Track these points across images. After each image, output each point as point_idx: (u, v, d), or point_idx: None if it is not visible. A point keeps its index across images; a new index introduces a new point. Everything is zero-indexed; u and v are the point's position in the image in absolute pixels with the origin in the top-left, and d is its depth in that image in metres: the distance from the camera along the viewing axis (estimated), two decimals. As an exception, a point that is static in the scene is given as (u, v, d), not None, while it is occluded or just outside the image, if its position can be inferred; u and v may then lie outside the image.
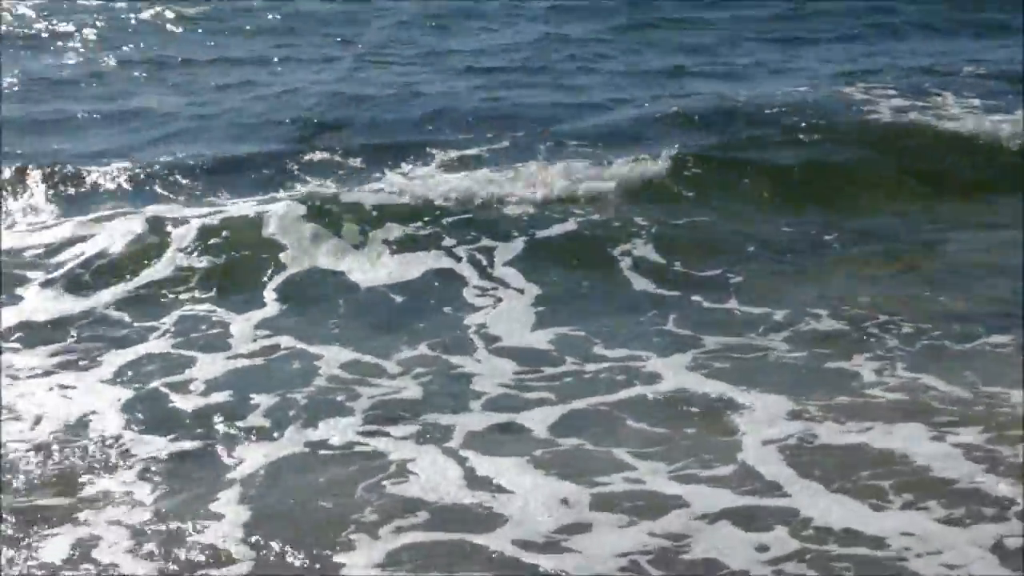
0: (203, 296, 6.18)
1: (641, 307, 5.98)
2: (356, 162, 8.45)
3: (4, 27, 13.64)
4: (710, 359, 5.30)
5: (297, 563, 3.84)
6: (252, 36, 14.25)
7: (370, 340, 5.60)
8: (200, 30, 14.42)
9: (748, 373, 5.12)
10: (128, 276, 6.32)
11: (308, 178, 8.08)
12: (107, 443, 4.61)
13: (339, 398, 4.98)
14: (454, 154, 8.53)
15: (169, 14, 14.81)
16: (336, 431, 4.69)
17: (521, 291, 6.22)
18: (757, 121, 9.20)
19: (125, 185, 7.99)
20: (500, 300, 6.10)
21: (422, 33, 14.17)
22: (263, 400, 4.95)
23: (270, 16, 15.24)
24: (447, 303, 6.09)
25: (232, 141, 9.25)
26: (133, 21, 14.50)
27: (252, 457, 4.50)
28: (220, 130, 9.63)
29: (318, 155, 8.59)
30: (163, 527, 4.04)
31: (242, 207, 7.21)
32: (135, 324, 5.81)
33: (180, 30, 14.28)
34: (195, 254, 6.53)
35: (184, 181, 8.04)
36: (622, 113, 9.80)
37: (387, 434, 4.64)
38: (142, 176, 8.10)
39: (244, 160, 8.50)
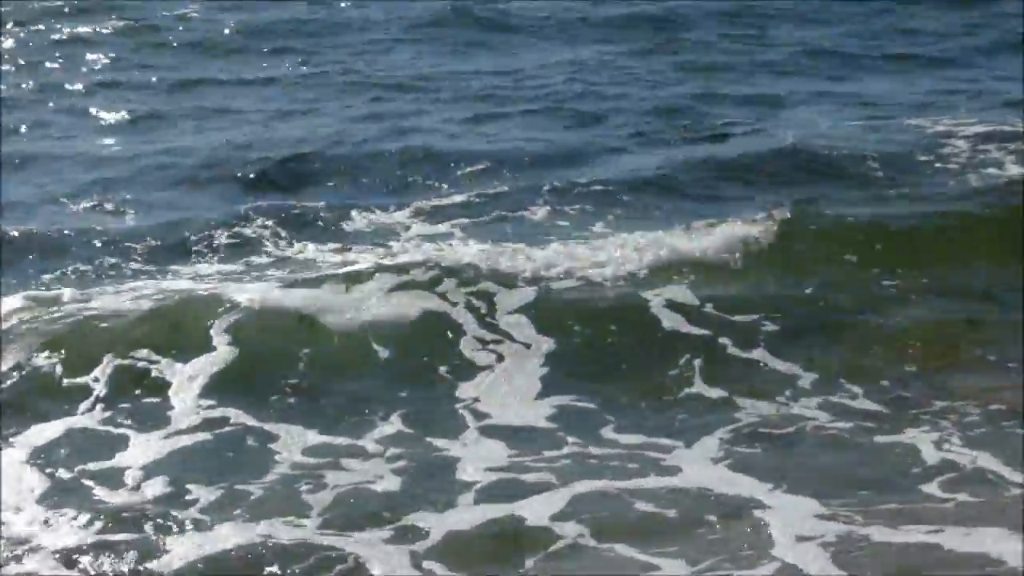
0: (139, 353, 6.35)
1: (667, 367, 6.27)
2: (321, 217, 8.55)
3: None
4: (740, 438, 5.58)
5: None
6: (194, 53, 14.55)
7: (340, 414, 5.85)
8: (132, 46, 14.72)
9: (781, 459, 5.39)
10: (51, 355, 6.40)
11: (262, 244, 8.12)
12: (18, 542, 4.82)
13: (300, 488, 5.19)
14: (441, 203, 8.80)
15: (96, 27, 15.20)
16: (291, 529, 4.88)
17: (528, 345, 6.50)
18: (815, 167, 9.43)
19: (37, 250, 7.96)
20: (502, 358, 6.38)
21: (403, 51, 14.50)
22: (203, 494, 5.16)
23: (213, 28, 15.52)
24: (438, 360, 6.37)
25: (170, 190, 9.43)
26: (54, 36, 14.93)
27: (185, 551, 4.72)
28: (155, 175, 9.77)
29: (273, 207, 8.66)
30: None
31: (182, 282, 7.33)
32: (58, 397, 6.04)
33: (108, 47, 14.61)
34: (133, 320, 6.63)
35: (112, 247, 8.02)
36: (643, 156, 10.06)
37: (351, 535, 4.83)
38: (58, 239, 8.11)
39: (183, 219, 8.56)
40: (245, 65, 13.97)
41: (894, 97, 11.86)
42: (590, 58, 13.83)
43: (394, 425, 5.75)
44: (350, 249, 7.87)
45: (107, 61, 14.06)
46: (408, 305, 6.83)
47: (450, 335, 6.61)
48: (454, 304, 6.85)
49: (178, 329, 6.56)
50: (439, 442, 5.62)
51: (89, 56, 14.21)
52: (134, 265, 7.79)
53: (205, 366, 6.28)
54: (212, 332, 6.53)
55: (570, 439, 5.62)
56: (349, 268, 7.30)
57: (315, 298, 6.84)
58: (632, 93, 12.16)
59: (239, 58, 14.33)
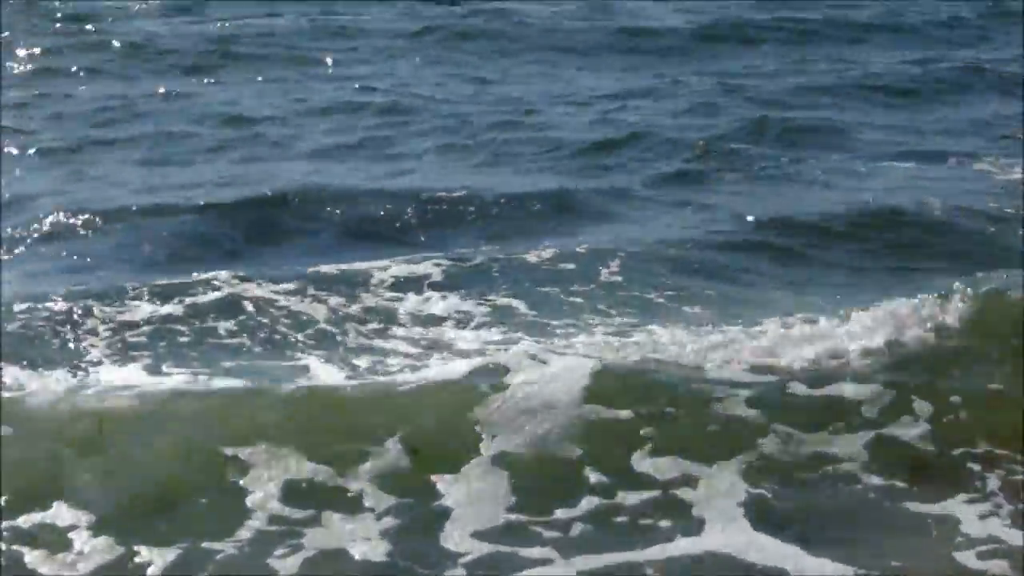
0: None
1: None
2: (285, 274, 8.65)
3: None
4: (774, 486, 6.14)
5: None
6: (130, 64, 15.08)
7: (326, 439, 6.29)
8: (53, 51, 15.05)
9: (814, 516, 5.95)
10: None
11: (209, 318, 8.10)
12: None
13: (271, 549, 5.60)
14: (424, 255, 9.11)
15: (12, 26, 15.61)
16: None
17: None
18: (886, 226, 9.97)
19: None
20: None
21: (388, 68, 15.08)
22: (155, 556, 5.52)
23: (159, 33, 15.92)
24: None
25: (93, 245, 9.52)
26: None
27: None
28: (73, 227, 9.80)
29: (225, 265, 8.81)
30: None
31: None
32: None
33: (23, 54, 15.03)
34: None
35: (23, 321, 7.89)
36: (671, 213, 10.46)
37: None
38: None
39: (111, 287, 8.43)
40: (195, 80, 14.36)
41: (978, 131, 12.56)
42: (607, 91, 14.28)
43: (385, 460, 6.17)
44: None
45: (19, 71, 14.47)
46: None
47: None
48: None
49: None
50: (440, 485, 6.01)
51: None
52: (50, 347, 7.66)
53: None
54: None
55: (592, 477, 6.13)
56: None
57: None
58: (665, 124, 12.64)
59: (188, 70, 14.78)
